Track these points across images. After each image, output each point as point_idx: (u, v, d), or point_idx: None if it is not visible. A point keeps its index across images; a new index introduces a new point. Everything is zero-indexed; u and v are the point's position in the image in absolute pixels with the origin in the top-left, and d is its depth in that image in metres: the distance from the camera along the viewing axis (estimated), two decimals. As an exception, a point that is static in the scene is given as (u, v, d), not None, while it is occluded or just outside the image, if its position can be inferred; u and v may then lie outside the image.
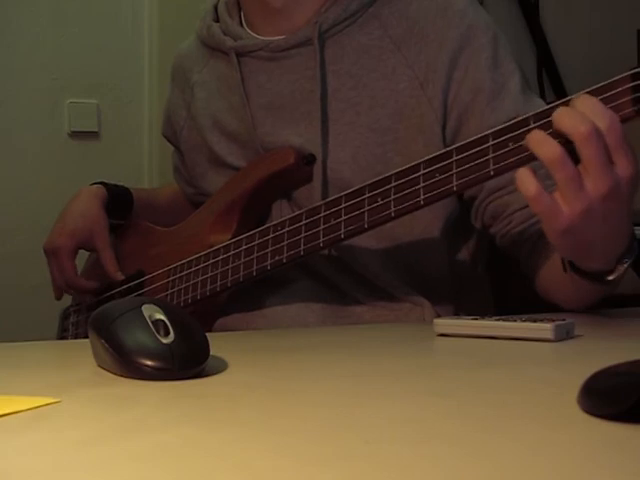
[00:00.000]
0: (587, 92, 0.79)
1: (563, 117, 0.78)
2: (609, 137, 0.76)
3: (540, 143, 0.79)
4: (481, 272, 1.16)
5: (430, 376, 0.64)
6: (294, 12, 1.11)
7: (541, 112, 0.81)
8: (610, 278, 0.87)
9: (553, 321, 0.77)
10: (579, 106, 0.78)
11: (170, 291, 1.12)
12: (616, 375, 0.48)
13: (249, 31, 1.16)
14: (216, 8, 1.20)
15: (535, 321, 0.77)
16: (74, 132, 2.30)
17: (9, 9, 2.20)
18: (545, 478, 0.38)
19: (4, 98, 2.21)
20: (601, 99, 0.78)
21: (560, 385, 0.57)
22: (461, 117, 1.04)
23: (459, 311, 1.10)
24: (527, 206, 0.95)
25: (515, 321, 0.78)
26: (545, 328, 0.75)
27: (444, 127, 1.05)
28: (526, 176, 0.79)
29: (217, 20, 1.19)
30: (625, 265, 0.86)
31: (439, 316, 1.02)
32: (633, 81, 0.76)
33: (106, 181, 1.27)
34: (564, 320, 0.78)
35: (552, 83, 2.67)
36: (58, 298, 1.27)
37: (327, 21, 1.08)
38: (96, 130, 2.34)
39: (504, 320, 0.79)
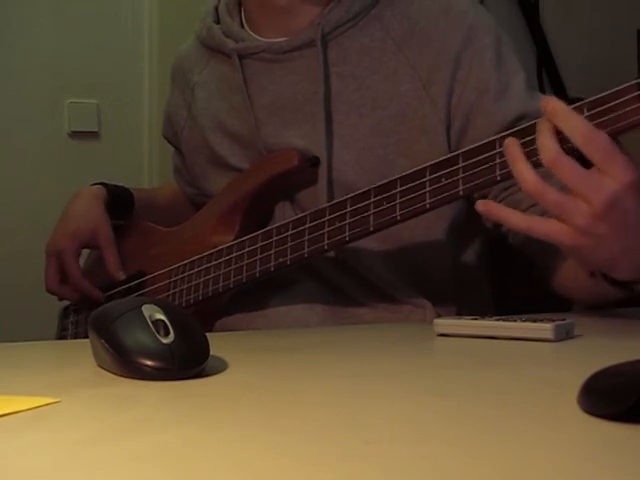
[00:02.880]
0: (592, 101, 0.79)
1: (537, 138, 0.79)
2: (588, 150, 0.76)
3: (518, 175, 0.80)
4: (482, 272, 1.16)
5: (430, 376, 0.64)
6: (298, 12, 1.10)
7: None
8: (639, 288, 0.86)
9: (553, 321, 0.77)
10: (558, 122, 0.78)
11: (172, 291, 1.12)
12: (616, 375, 0.48)
13: (250, 32, 1.15)
14: (217, 9, 1.20)
15: (535, 321, 0.77)
16: (74, 132, 2.30)
17: (9, 9, 2.20)
18: (545, 478, 0.38)
19: (4, 98, 2.21)
20: (607, 108, 0.77)
21: (560, 385, 0.57)
22: (468, 117, 1.04)
23: (460, 312, 1.09)
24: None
25: (515, 321, 0.78)
26: (545, 328, 0.75)
27: (449, 128, 1.04)
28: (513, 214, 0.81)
29: (218, 21, 1.19)
30: None
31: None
32: (639, 90, 0.76)
33: (106, 182, 1.27)
34: (564, 320, 0.78)
35: (552, 83, 2.67)
36: (59, 299, 1.26)
37: (329, 23, 1.08)
38: (96, 130, 2.33)
39: (504, 320, 0.79)
